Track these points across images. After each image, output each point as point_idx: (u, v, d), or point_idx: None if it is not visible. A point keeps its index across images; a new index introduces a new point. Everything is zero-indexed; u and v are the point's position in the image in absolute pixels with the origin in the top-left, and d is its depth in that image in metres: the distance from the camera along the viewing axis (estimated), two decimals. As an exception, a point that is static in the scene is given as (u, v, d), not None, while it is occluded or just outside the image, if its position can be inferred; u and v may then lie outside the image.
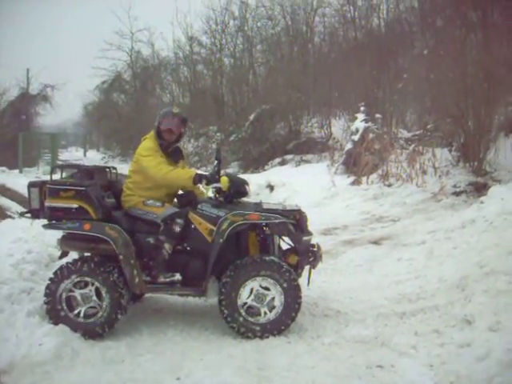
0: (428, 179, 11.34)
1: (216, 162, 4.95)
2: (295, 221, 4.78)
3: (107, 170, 5.47)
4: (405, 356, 3.97)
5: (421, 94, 15.58)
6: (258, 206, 4.91)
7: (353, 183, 12.79)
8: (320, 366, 3.89)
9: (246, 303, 4.57)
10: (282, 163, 17.56)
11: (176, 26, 28.16)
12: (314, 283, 6.02)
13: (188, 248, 4.86)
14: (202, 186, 4.92)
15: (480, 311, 4.12)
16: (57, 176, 5.09)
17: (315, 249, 4.96)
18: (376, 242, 7.80)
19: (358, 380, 3.70)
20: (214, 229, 4.67)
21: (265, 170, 17.20)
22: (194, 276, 4.76)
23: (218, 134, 21.71)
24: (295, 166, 16.87)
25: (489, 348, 3.67)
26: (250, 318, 4.56)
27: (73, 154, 46.06)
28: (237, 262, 4.61)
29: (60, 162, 24.84)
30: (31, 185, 4.99)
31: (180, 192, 5.20)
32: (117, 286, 4.62)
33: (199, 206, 4.85)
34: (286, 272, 4.54)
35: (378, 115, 15.27)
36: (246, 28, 26.06)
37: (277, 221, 4.68)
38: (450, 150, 12.41)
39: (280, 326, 4.54)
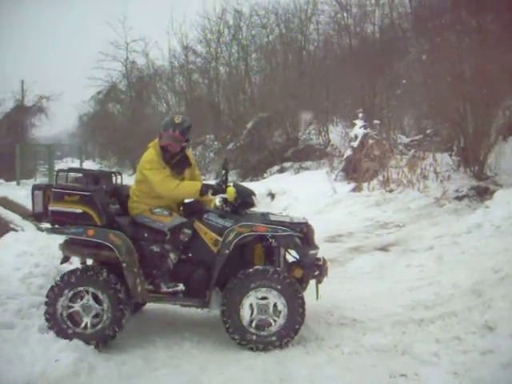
0: (429, 184, 11.33)
1: (223, 172, 4.91)
2: (302, 234, 4.72)
3: (112, 175, 5.41)
4: (427, 364, 3.92)
5: (418, 99, 15.61)
6: (264, 218, 4.84)
7: (353, 190, 12.77)
8: (342, 377, 3.85)
9: (252, 320, 4.51)
10: (281, 171, 17.54)
11: (171, 35, 28.26)
12: (324, 291, 5.99)
13: (192, 258, 4.78)
14: (209, 196, 4.87)
15: (501, 317, 4.10)
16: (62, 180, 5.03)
17: (321, 263, 4.90)
18: (383, 249, 7.77)
19: (383, 390, 3.66)
20: (220, 239, 4.63)
21: (264, 178, 17.17)
22: (197, 287, 4.70)
23: (216, 143, 21.70)
24: (294, 173, 16.85)
25: (512, 354, 3.64)
26: (262, 332, 4.50)
27: (68, 165, 46.02)
28: (240, 273, 4.54)
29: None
30: (35, 188, 4.93)
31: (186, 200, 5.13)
32: (109, 283, 4.54)
33: (205, 216, 4.81)
34: (287, 282, 4.48)
35: (376, 121, 15.29)
36: (240, 36, 26.12)
37: (283, 233, 4.62)
38: (451, 155, 12.42)
39: (288, 336, 4.49)
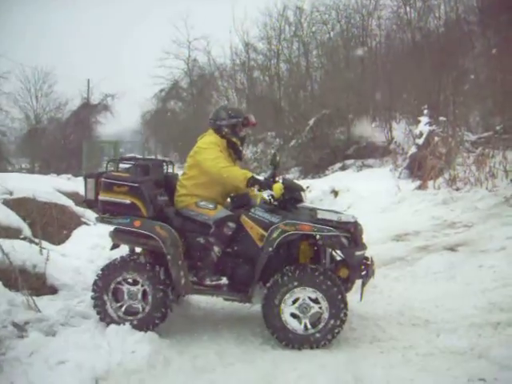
0: (498, 183, 10.96)
1: (272, 167, 4.92)
2: (349, 234, 4.62)
3: (164, 164, 5.50)
4: (507, 369, 3.81)
5: (486, 94, 15.17)
6: (312, 215, 4.77)
7: (418, 188, 12.50)
8: (418, 379, 3.79)
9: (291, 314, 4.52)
10: (343, 168, 17.38)
11: (233, 33, 28.50)
12: (395, 291, 5.97)
13: (237, 251, 4.81)
14: (254, 190, 4.88)
15: None
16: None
17: (368, 262, 4.80)
18: (452, 249, 7.57)
19: (462, 394, 3.59)
20: (265, 234, 4.61)
21: (325, 176, 17.05)
22: (240, 281, 4.74)
23: (277, 140, 21.73)
24: (356, 171, 16.66)
25: None
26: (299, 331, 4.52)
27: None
28: (281, 271, 4.53)
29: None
30: (88, 175, 5.09)
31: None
32: (164, 291, 4.68)
33: (252, 210, 4.81)
34: (329, 283, 4.43)
35: (442, 118, 14.93)
36: (301, 33, 26.06)
37: (329, 233, 4.53)
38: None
39: (330, 334, 4.46)
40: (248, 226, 4.74)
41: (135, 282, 4.75)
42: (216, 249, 4.70)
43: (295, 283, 4.46)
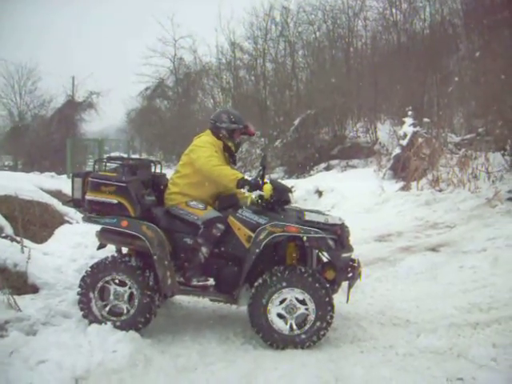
0: (481, 184, 11.09)
1: (261, 167, 4.91)
2: (336, 235, 4.60)
3: (152, 164, 5.47)
4: (485, 369, 3.85)
5: (469, 97, 15.30)
6: (299, 217, 4.76)
7: (402, 189, 12.62)
8: (398, 378, 3.81)
9: (278, 314, 4.52)
10: (328, 168, 17.47)
11: (219, 32, 28.45)
12: (376, 291, 6.01)
13: (225, 252, 4.78)
14: (244, 192, 4.87)
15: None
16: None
17: (355, 264, 4.82)
18: (434, 249, 7.65)
19: (441, 393, 3.62)
20: (253, 235, 4.60)
21: (310, 176, 17.14)
22: (227, 282, 4.72)
23: (262, 140, 21.76)
24: (341, 171, 16.76)
25: None
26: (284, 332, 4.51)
27: (116, 160, 46.53)
28: (270, 271, 4.53)
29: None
30: (75, 175, 5.06)
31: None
32: (151, 297, 4.67)
33: (240, 211, 4.79)
34: (317, 285, 4.43)
35: (426, 119, 15.07)
36: (287, 33, 26.10)
37: (315, 235, 4.52)
38: (503, 154, 12.12)
39: (316, 335, 4.47)
40: (235, 226, 4.73)
41: (123, 284, 4.72)
42: (204, 250, 4.67)
43: (284, 283, 4.45)
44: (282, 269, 4.52)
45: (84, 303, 4.74)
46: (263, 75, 26.05)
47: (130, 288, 4.69)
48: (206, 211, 4.77)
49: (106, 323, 4.66)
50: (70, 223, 8.09)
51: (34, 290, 5.40)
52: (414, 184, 12.33)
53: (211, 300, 5.04)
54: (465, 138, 14.29)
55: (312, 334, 4.46)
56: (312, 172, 17.71)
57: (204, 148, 4.80)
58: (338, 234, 4.62)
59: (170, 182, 5.05)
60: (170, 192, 4.98)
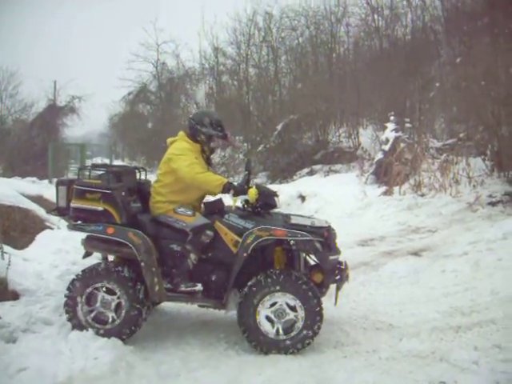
0: (462, 189, 11.19)
1: (246, 172, 4.91)
2: (323, 238, 4.63)
3: (136, 171, 5.45)
4: (467, 372, 3.88)
5: (451, 102, 15.45)
6: (285, 220, 4.82)
7: (385, 193, 12.67)
8: (380, 382, 3.83)
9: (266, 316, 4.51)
10: (311, 173, 17.49)
11: (202, 36, 28.42)
12: (359, 296, 6.02)
13: (212, 258, 4.77)
14: (230, 196, 4.80)
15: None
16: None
17: (342, 267, 4.83)
18: (416, 254, 7.70)
19: (423, 396, 3.64)
20: (240, 240, 4.62)
21: (293, 181, 17.14)
22: (215, 287, 4.73)
23: (245, 144, 21.75)
24: (324, 176, 16.77)
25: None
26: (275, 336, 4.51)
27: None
28: (265, 272, 4.53)
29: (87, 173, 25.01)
30: (59, 183, 5.02)
31: (207, 199, 5.15)
32: (139, 310, 4.64)
33: (226, 216, 4.80)
34: (310, 293, 4.45)
35: (408, 124, 15.17)
36: (270, 39, 26.15)
37: (303, 238, 4.55)
38: (484, 160, 12.24)
39: (300, 343, 4.47)
40: (222, 232, 4.73)
41: (112, 292, 4.67)
42: (192, 256, 4.66)
43: (277, 287, 4.45)
44: (277, 272, 4.52)
45: (70, 306, 4.70)
46: (246, 80, 26.04)
47: (118, 298, 4.65)
48: (195, 218, 4.75)
49: (87, 330, 4.61)
50: (51, 229, 8.02)
51: (15, 296, 5.32)
52: (396, 189, 12.39)
53: (199, 306, 5.01)
54: (446, 143, 14.39)
55: (297, 341, 4.46)
56: (295, 177, 17.72)
57: (184, 156, 4.76)
58: (325, 237, 4.65)
59: (153, 191, 4.99)
60: (155, 201, 4.94)
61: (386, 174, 13.55)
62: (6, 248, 5.99)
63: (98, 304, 4.70)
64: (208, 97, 28.78)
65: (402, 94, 17.65)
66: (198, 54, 30.66)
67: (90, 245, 4.89)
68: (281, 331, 4.49)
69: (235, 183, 4.77)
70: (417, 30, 22.68)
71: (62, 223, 9.26)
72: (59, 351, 4.30)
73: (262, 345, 4.48)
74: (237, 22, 26.79)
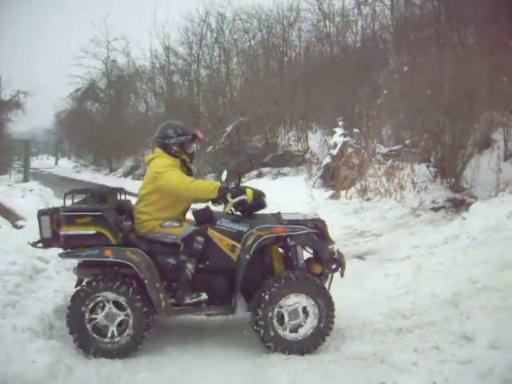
0: (406, 194, 11.44)
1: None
2: (318, 230, 4.75)
3: (116, 191, 5.37)
4: (406, 373, 3.95)
5: (398, 109, 15.78)
6: (278, 218, 4.88)
7: (332, 197, 12.83)
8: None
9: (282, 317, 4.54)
10: (259, 176, 17.56)
11: (153, 35, 28.19)
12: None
13: (210, 266, 4.75)
14: (228, 199, 4.71)
15: (479, 328, 4.16)
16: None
17: (338, 256, 4.91)
18: (361, 257, 7.83)
19: (362, 398, 3.69)
20: (236, 244, 4.63)
21: (242, 183, 17.07)
22: (220, 294, 4.70)
23: (194, 145, 21.59)
24: (272, 178, 16.87)
25: (491, 365, 3.71)
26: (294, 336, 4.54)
27: (44, 162, 45.18)
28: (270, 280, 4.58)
29: (31, 170, 24.42)
30: (41, 213, 4.78)
31: (194, 209, 5.08)
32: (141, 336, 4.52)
33: (218, 222, 4.77)
34: (320, 288, 4.61)
35: (355, 130, 15.42)
36: (222, 40, 26.16)
37: (302, 232, 4.65)
38: (428, 166, 12.56)
39: (317, 339, 4.54)
40: (216, 238, 4.71)
41: (121, 307, 4.53)
42: (190, 266, 4.63)
43: (295, 288, 4.53)
44: (294, 274, 4.61)
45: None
46: (197, 81, 25.97)
47: (126, 316, 4.52)
48: (183, 228, 4.71)
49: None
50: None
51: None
52: (343, 193, 12.55)
53: (207, 315, 4.89)
54: (392, 149, 14.71)
55: (313, 340, 4.53)
56: (244, 179, 17.72)
57: (168, 172, 4.69)
58: (320, 228, 4.78)
59: (136, 212, 4.89)
60: (139, 221, 4.84)
61: (333, 178, 13.71)
62: None
63: (102, 315, 4.53)
64: (158, 96, 28.51)
65: (350, 99, 17.94)
66: (149, 52, 30.32)
67: (84, 272, 4.73)
68: (295, 331, 4.55)
69: (229, 186, 4.73)
70: (367, 37, 23.13)
71: (2, 222, 9.03)
72: (-6, 355, 4.15)
73: (278, 345, 4.49)
74: (189, 21, 26.79)
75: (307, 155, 17.39)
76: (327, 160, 14.56)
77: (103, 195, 4.94)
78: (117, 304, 4.50)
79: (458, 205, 10.52)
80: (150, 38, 29.03)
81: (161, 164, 4.79)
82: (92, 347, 4.45)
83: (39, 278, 5.99)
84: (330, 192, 13.24)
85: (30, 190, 12.66)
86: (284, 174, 17.02)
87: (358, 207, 11.03)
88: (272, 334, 4.48)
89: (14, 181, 17.91)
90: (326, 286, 4.89)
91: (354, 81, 18.20)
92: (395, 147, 14.63)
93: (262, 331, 4.49)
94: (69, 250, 4.64)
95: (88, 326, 4.47)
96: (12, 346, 4.24)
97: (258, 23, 25.83)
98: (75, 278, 5.03)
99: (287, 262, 4.91)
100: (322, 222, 4.88)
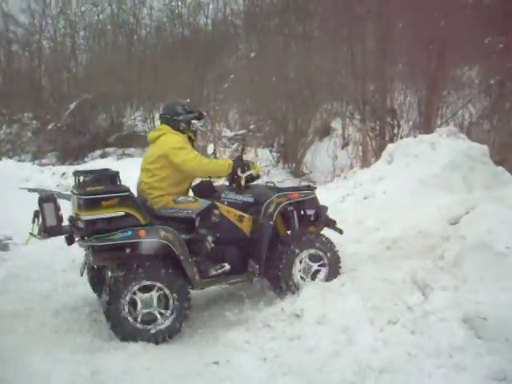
0: (249, 178, 11.74)
1: (241, 149, 5.24)
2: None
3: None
4: (239, 351, 4.04)
5: (245, 94, 16.13)
6: (276, 187, 5.37)
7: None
8: (156, 367, 3.83)
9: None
10: (103, 156, 17.04)
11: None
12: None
13: (221, 237, 4.83)
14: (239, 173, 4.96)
15: (308, 306, 4.35)
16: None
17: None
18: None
19: (196, 377, 3.70)
20: (243, 214, 4.92)
21: (85, 162, 16.47)
22: (237, 263, 4.88)
23: (34, 122, 20.33)
24: (117, 159, 16.38)
25: (317, 340, 3.91)
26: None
27: None
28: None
29: None
30: (44, 200, 4.44)
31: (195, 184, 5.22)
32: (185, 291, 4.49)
33: (223, 195, 4.98)
34: (330, 243, 5.09)
35: (203, 113, 15.48)
36: (69, 11, 24.70)
37: (311, 196, 5.20)
38: (271, 151, 13.04)
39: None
40: (224, 210, 4.87)
41: (158, 290, 4.40)
42: (209, 238, 4.66)
43: (312, 245, 5.00)
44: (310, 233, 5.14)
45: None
46: (39, 53, 24.35)
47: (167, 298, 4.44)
48: (198, 203, 4.76)
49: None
50: None
51: None
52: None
53: (231, 284, 5.14)
54: (238, 133, 15.03)
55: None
56: (86, 159, 17.09)
57: (184, 150, 4.73)
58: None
59: (148, 187, 4.76)
60: (153, 196, 4.73)
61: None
62: None
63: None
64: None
65: (199, 82, 17.99)
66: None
67: (101, 257, 4.41)
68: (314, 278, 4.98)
69: (239, 161, 4.98)
70: (218, 21, 23.27)
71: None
72: None
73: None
74: (31, -13, 24.86)
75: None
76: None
77: (114, 176, 4.62)
78: (154, 288, 4.39)
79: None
80: (-14, 3, 26.68)
81: (175, 141, 4.79)
82: (138, 336, 4.28)
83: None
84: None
85: None
86: (129, 155, 16.67)
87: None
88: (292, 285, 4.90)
89: None
90: None
91: (204, 64, 18.25)
92: (240, 131, 14.96)
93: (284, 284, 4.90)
94: (97, 236, 4.29)
95: (130, 316, 4.30)
96: None
97: (107, -4, 24.77)
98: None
99: (288, 226, 5.25)
100: (314, 188, 5.44)
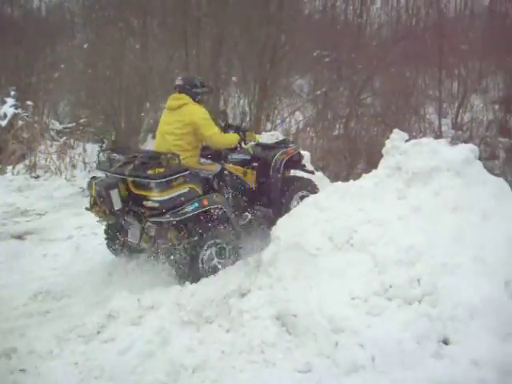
0: (77, 173, 11.38)
1: (244, 128, 6.06)
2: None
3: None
4: (49, 357, 3.88)
5: (77, 87, 15.45)
6: (265, 145, 6.37)
7: (-3, 173, 11.91)
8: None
9: None
10: None
11: None
12: None
13: (235, 191, 5.67)
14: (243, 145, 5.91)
15: (123, 307, 4.30)
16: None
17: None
18: (20, 237, 7.40)
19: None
20: (246, 170, 5.88)
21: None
22: (243, 210, 5.75)
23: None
24: None
25: (131, 341, 3.89)
26: None
27: None
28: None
29: None
30: (109, 187, 4.79)
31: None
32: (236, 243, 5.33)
33: (229, 157, 5.81)
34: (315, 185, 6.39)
35: (29, 102, 14.57)
36: None
37: (298, 150, 6.51)
38: (101, 147, 12.65)
39: None
40: (232, 168, 5.74)
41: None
42: (230, 195, 5.53)
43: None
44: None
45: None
46: None
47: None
48: (216, 165, 5.55)
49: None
50: None
51: None
52: (9, 168, 11.77)
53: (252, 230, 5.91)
54: (67, 126, 14.41)
55: None
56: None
57: (211, 124, 5.30)
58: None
59: (180, 149, 5.17)
60: (184, 156, 5.12)
61: (0, 152, 12.75)
62: None
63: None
64: None
65: (27, 69, 16.92)
66: None
67: (165, 229, 4.94)
68: None
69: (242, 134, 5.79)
70: (54, 5, 22.06)
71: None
72: None
73: None
74: None
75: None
76: (-6, 132, 13.43)
77: (156, 156, 4.89)
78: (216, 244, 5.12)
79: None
80: None
81: (202, 112, 5.32)
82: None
83: None
84: (-4, 166, 12.26)
85: None
86: None
87: (23, 184, 10.51)
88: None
89: None
90: None
91: (34, 49, 17.17)
92: (70, 125, 14.38)
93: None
94: (172, 212, 4.79)
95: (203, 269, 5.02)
96: None
97: None
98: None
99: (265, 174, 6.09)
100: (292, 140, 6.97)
